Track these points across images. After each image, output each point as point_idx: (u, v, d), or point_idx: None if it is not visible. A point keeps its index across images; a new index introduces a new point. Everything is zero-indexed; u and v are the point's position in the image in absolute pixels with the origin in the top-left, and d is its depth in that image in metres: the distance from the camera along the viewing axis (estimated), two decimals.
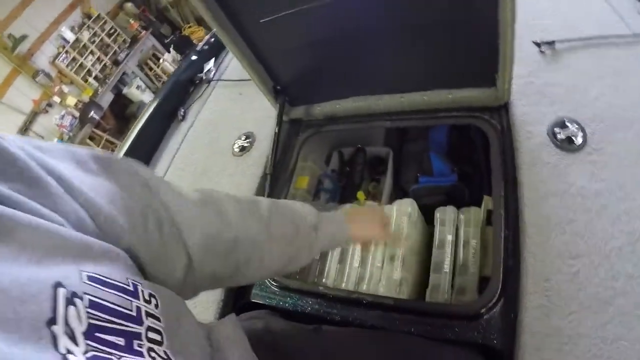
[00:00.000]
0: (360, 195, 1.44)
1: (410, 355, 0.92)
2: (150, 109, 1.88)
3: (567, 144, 1.00)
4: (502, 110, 1.11)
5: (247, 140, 1.52)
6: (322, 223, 0.83)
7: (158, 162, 1.77)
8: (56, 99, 5.74)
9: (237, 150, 1.52)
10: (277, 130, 1.38)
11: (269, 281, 1.15)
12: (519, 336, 0.90)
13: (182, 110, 1.87)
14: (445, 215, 1.11)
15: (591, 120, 1.02)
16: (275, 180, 1.37)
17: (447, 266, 1.05)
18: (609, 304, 0.87)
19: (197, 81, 2.00)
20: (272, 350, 0.76)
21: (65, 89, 5.86)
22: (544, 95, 1.11)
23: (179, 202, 0.57)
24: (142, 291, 0.42)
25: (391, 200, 1.41)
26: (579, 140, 0.99)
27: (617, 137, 1.00)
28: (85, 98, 5.94)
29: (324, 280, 1.19)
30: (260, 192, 1.35)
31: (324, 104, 1.38)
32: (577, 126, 1.01)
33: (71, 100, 5.80)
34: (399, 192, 1.47)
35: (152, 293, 0.43)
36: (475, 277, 1.02)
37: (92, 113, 5.74)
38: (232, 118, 1.70)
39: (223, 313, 1.16)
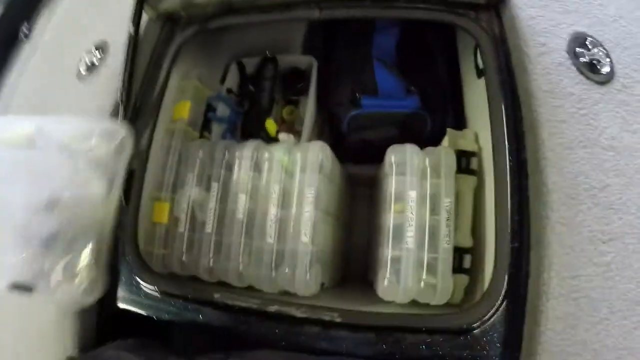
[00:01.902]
0: (270, 124, 0.82)
1: None
2: None
3: (591, 72, 0.57)
4: (493, 10, 0.62)
5: (98, 54, 0.77)
6: None
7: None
8: None
9: (83, 70, 0.77)
10: (133, 31, 0.67)
11: (141, 281, 0.61)
12: (531, 357, 0.53)
13: (26, 26, 1.00)
14: (404, 158, 0.60)
15: (615, 46, 0.60)
16: (137, 110, 0.69)
17: (410, 238, 0.58)
18: (639, 304, 0.57)
19: None
20: None
21: None
22: None
23: None
24: None
25: (318, 133, 0.87)
26: (605, 69, 0.57)
27: None
28: None
29: (222, 264, 0.62)
30: None
31: None
32: (602, 50, 0.58)
33: None
34: (328, 120, 0.85)
35: None
36: (449, 252, 0.58)
37: None
38: (82, 24, 0.90)
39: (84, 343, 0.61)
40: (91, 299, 0.54)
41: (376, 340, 0.52)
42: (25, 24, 1.02)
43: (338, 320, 0.51)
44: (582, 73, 0.57)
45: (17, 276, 0.51)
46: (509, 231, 0.52)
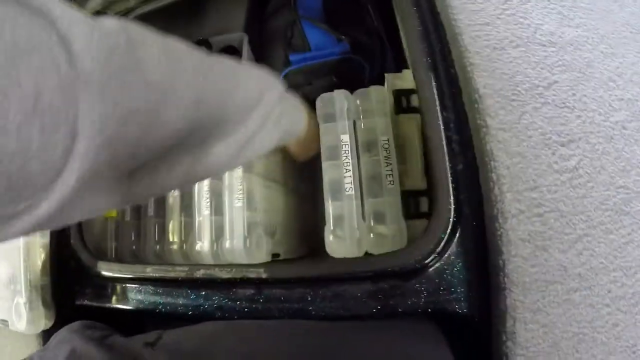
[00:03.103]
0: None
1: (319, 352, 0.38)
2: None
3: None
4: None
5: None
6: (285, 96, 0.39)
7: None
8: None
9: None
10: None
11: (88, 271, 0.55)
12: (501, 294, 0.41)
13: None
14: (333, 104, 0.50)
15: None
16: None
17: (349, 185, 0.47)
18: (624, 213, 0.43)
19: None
20: None
21: None
22: None
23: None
24: None
25: None
26: None
27: None
28: None
29: (168, 246, 0.54)
30: None
31: None
32: None
33: None
34: None
35: None
36: (395, 193, 0.47)
37: None
38: None
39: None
40: (36, 331, 0.55)
41: (313, 296, 0.41)
42: None
43: (264, 276, 0.41)
44: None
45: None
46: (446, 153, 0.42)
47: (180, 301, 0.46)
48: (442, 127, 0.42)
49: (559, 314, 0.37)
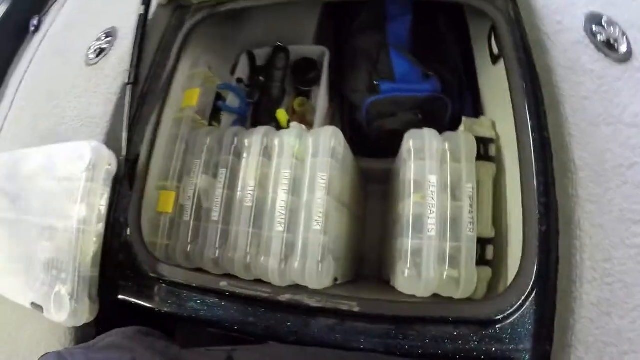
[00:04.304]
0: (282, 114, 0.69)
1: None
2: None
3: (609, 50, 0.48)
4: None
5: (107, 40, 0.66)
6: None
7: (7, 90, 0.81)
8: None
9: (92, 56, 0.65)
10: (143, 12, 0.58)
11: (143, 269, 0.51)
12: (566, 350, 0.44)
13: (36, 19, 0.88)
14: (423, 142, 0.50)
15: (631, 26, 0.51)
16: (145, 96, 0.59)
17: (432, 226, 0.47)
18: None
19: None
20: None
21: None
22: None
23: None
24: None
25: (332, 121, 0.77)
26: (623, 47, 0.48)
27: None
28: None
29: (229, 254, 0.51)
30: (118, 114, 0.56)
31: None
32: (618, 29, 0.50)
33: None
34: (344, 110, 0.76)
35: None
36: (472, 240, 0.48)
37: None
38: (91, 14, 0.77)
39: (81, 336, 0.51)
40: (76, 324, 0.50)
41: (396, 334, 0.42)
42: (36, 17, 0.90)
43: (356, 309, 0.41)
44: (600, 51, 0.49)
45: (34, 297, 0.51)
46: (537, 214, 0.44)
47: (251, 320, 0.45)
48: (536, 190, 0.43)
49: None
